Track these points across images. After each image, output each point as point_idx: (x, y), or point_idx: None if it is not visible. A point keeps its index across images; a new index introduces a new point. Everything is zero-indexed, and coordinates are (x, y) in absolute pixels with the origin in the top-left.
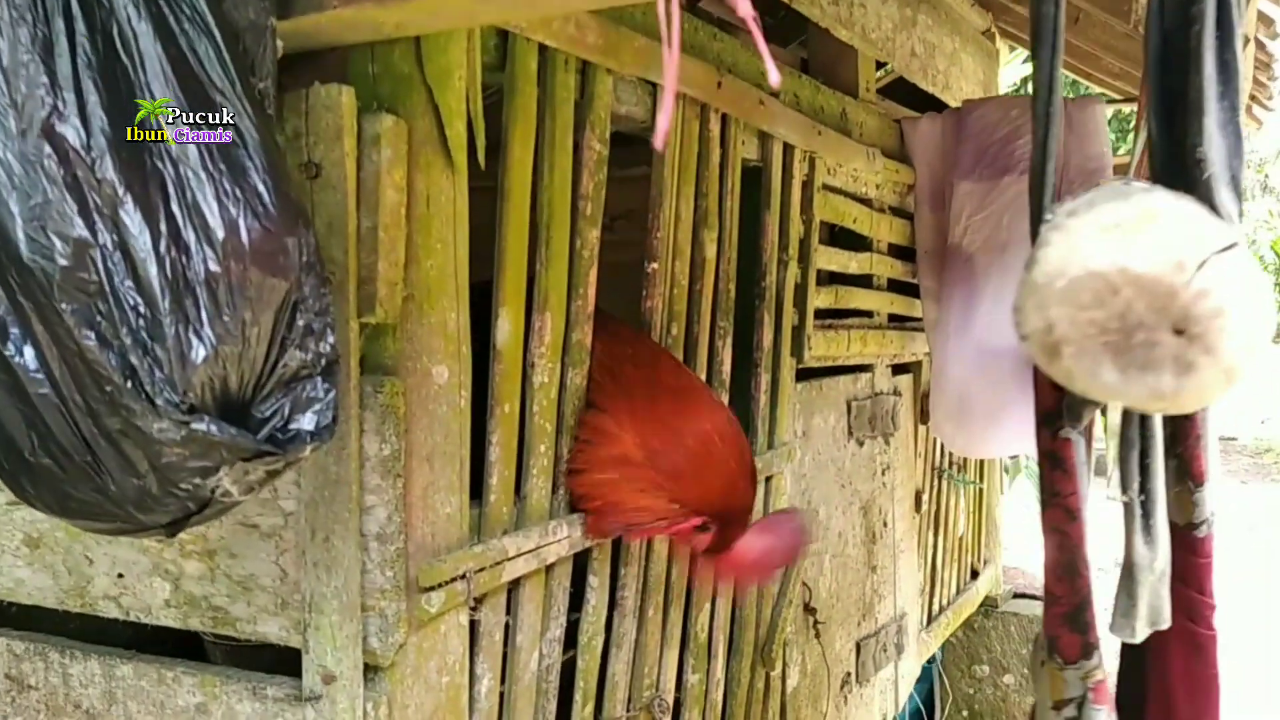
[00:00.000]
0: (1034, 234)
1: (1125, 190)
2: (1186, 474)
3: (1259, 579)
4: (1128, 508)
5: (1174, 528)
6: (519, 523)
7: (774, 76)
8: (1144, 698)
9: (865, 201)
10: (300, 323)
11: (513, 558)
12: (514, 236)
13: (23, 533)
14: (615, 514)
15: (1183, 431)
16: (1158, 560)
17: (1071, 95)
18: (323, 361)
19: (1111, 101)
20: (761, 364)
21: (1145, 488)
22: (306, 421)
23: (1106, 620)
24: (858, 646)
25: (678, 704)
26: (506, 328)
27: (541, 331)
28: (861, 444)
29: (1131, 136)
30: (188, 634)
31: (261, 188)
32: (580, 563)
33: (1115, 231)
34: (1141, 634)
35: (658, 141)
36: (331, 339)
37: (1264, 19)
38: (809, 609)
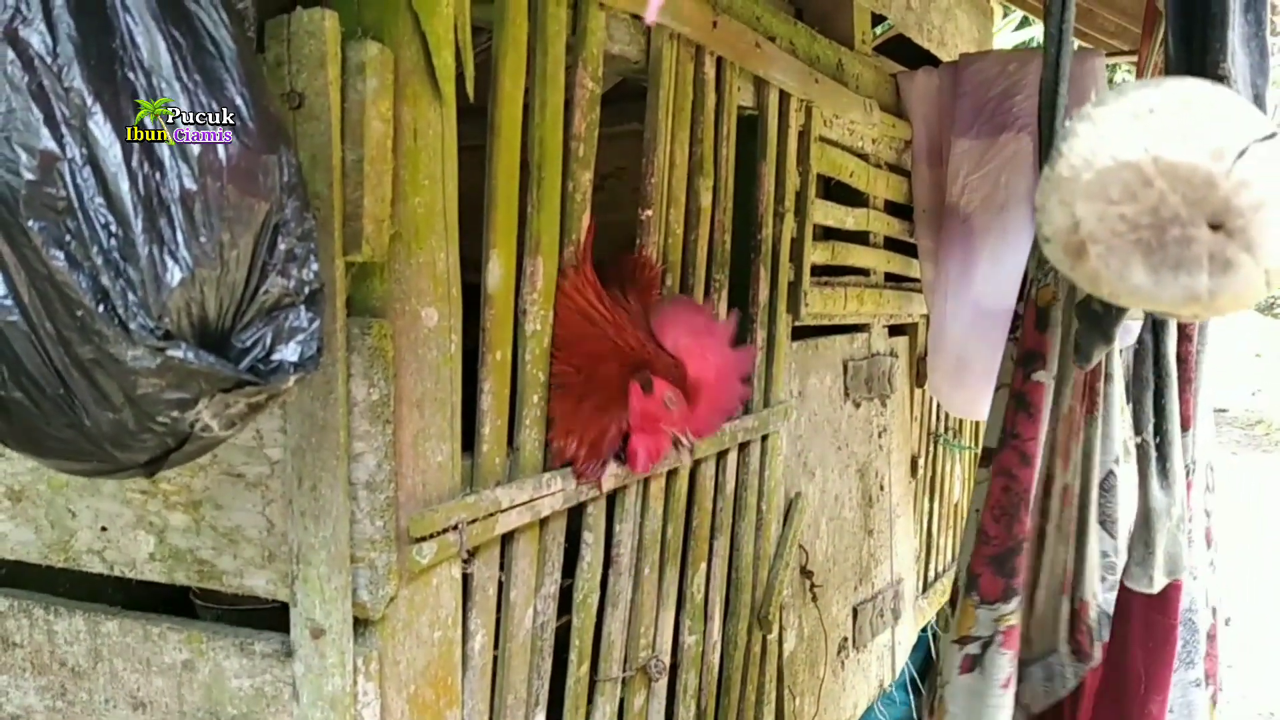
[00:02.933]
0: (1044, 154)
1: (1155, 80)
2: (1177, 419)
3: (1256, 551)
4: (1142, 450)
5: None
6: (512, 474)
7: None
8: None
9: (862, 156)
10: (282, 247)
11: (506, 509)
12: (504, 174)
13: (4, 485)
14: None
15: (1180, 371)
16: (1175, 506)
17: None
18: (306, 290)
19: (1112, 54)
20: (758, 319)
21: (1160, 429)
22: (290, 352)
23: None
24: (855, 611)
25: (674, 666)
26: (497, 271)
27: (534, 277)
28: (858, 405)
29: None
30: (177, 598)
31: (239, 101)
32: (575, 520)
33: (1147, 118)
34: (1159, 584)
35: (650, 15)
36: (315, 266)
37: None
38: (805, 572)
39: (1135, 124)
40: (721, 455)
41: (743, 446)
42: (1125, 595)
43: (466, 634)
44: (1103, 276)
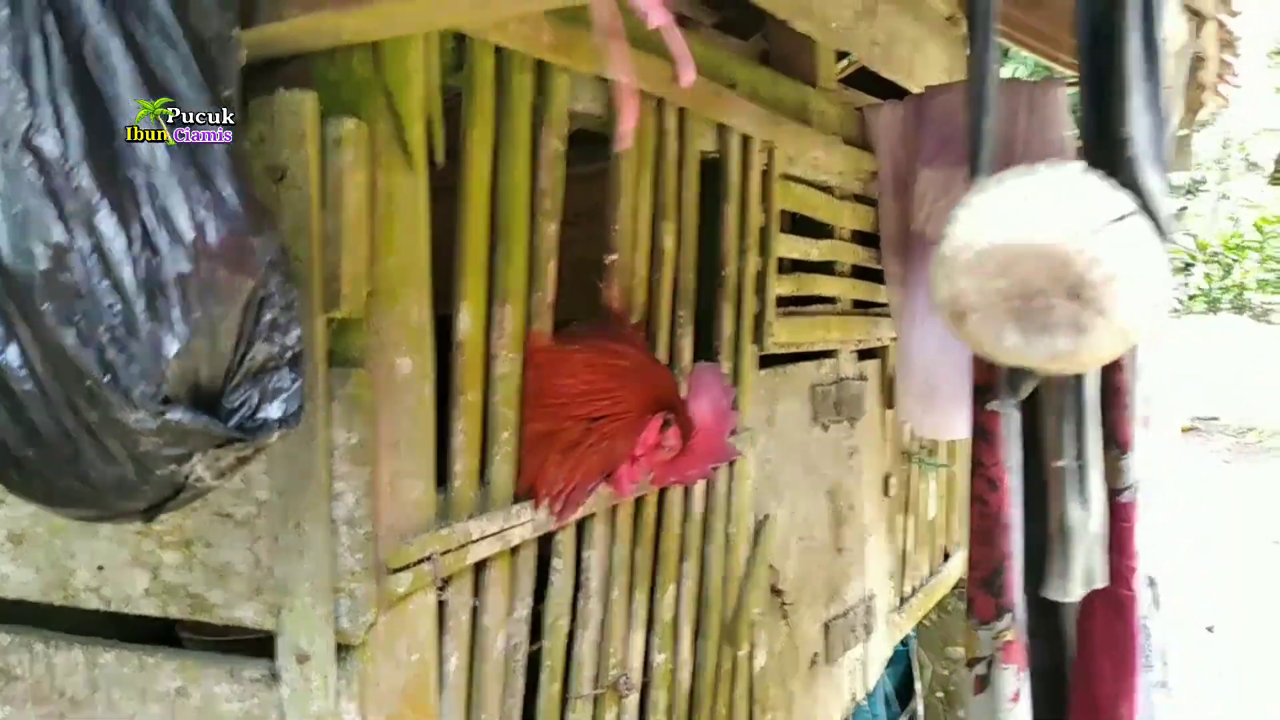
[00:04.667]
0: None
1: (1033, 169)
2: (1113, 440)
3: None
4: (1063, 473)
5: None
6: (483, 507)
7: (687, 76)
8: (1062, 655)
9: (827, 189)
10: (267, 317)
11: (477, 540)
12: (474, 234)
13: (6, 529)
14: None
15: (1110, 400)
16: (1092, 522)
17: (1035, 78)
18: (289, 354)
19: (1073, 84)
20: (722, 352)
21: (1080, 454)
22: (274, 410)
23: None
24: (826, 627)
25: (645, 684)
26: (468, 320)
27: (503, 323)
28: (827, 428)
29: None
30: (163, 634)
31: (228, 191)
32: (546, 547)
33: (1018, 206)
34: (1075, 594)
35: (620, 144)
36: (297, 332)
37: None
38: (775, 590)
39: (1008, 211)
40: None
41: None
42: (1088, 603)
43: (442, 657)
44: (981, 338)
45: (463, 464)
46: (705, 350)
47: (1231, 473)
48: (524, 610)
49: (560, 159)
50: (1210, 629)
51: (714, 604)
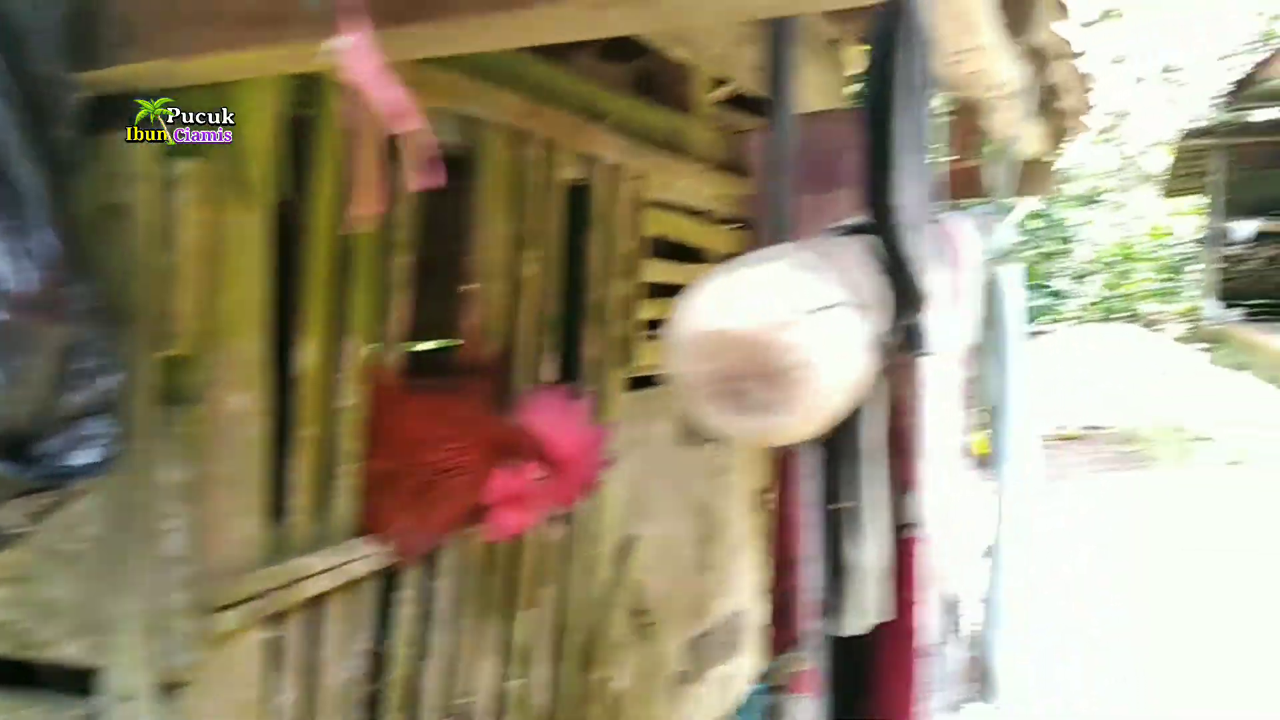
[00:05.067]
0: None
1: (754, 258)
2: (899, 481)
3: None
4: (839, 513)
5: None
6: (322, 542)
7: (362, 213)
8: (858, 684)
9: (699, 214)
10: (81, 365)
11: (314, 575)
12: (319, 268)
13: None
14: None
15: (897, 444)
16: (867, 559)
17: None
18: (104, 400)
19: None
20: (587, 377)
21: (857, 495)
22: (85, 456)
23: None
24: (690, 645)
25: (499, 711)
26: (309, 354)
27: (347, 358)
28: (696, 448)
29: None
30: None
31: (46, 238)
32: (395, 578)
33: (728, 296)
34: (850, 629)
35: (348, 227)
36: (115, 378)
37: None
38: (637, 611)
39: (719, 300)
40: None
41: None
42: (876, 635)
43: (274, 693)
44: (701, 415)
45: (300, 499)
46: (571, 375)
47: (1114, 482)
48: (364, 643)
49: (413, 193)
50: (1097, 636)
51: (574, 627)
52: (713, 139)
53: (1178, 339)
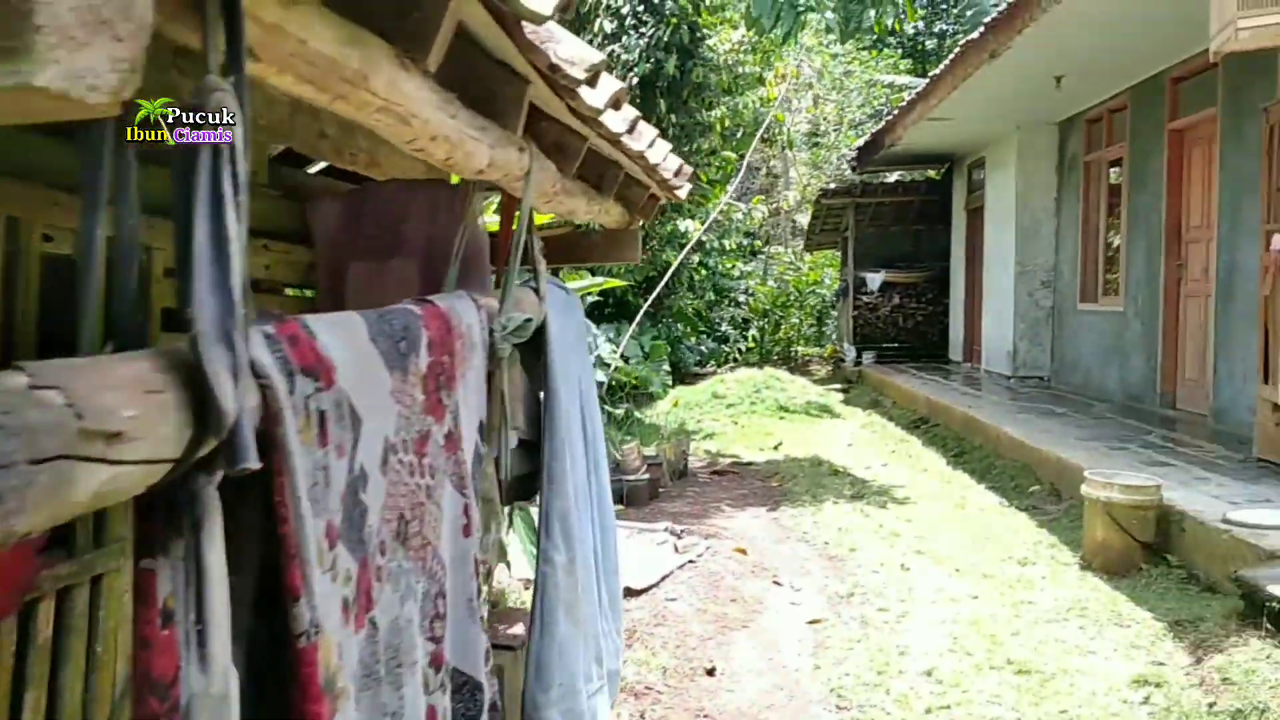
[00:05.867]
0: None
1: None
2: (284, 591)
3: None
4: (189, 635)
5: (286, 638)
6: None
7: None
8: None
9: (253, 284)
10: None
11: None
12: None
13: None
14: None
15: (281, 553)
16: (213, 686)
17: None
18: None
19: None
20: None
21: (201, 618)
22: None
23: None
24: None
25: None
26: None
27: None
28: None
29: None
30: None
31: None
32: None
33: None
34: None
35: None
36: None
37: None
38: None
39: None
40: (30, 605)
41: (65, 591)
42: None
43: None
44: None
45: None
46: None
47: (758, 513)
48: None
49: None
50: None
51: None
52: (273, 206)
53: (818, 380)
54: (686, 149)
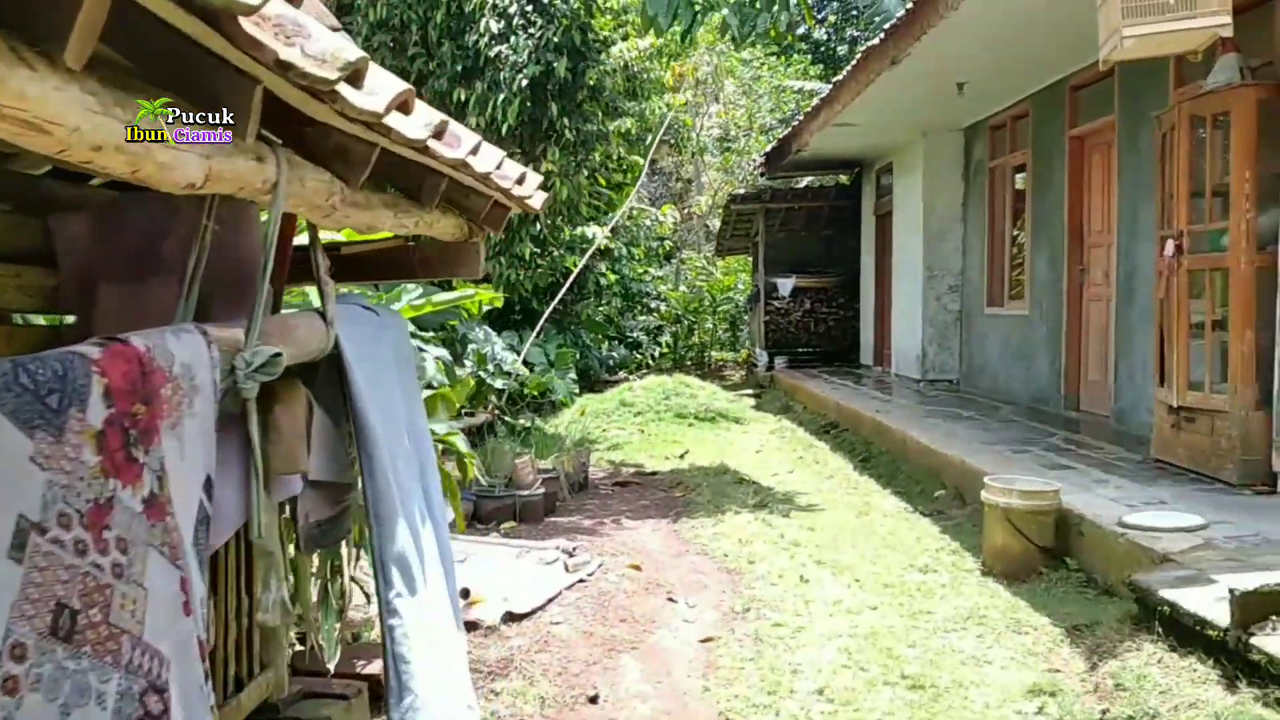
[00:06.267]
0: None
1: None
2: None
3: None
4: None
5: None
6: None
7: None
8: None
9: None
10: None
11: None
12: None
13: None
14: None
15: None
16: None
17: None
18: None
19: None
20: None
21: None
22: None
23: None
24: None
25: None
26: None
27: None
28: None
29: None
30: None
31: None
32: None
33: None
34: None
35: None
36: None
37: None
38: None
39: None
40: None
41: None
42: None
43: None
44: None
45: None
46: None
47: (660, 524)
48: None
49: None
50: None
51: None
52: (5, 223)
53: (730, 385)
54: (583, 155)
